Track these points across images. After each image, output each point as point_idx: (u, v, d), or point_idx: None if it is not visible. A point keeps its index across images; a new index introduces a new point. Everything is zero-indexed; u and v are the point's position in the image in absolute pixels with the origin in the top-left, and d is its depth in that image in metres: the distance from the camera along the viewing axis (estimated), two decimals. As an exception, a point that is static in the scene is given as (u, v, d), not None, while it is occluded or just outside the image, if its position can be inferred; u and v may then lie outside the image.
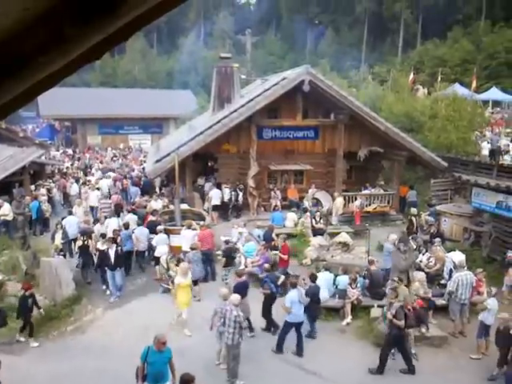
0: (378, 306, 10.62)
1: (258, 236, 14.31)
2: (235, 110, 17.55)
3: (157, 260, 13.23)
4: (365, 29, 60.96)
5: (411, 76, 35.40)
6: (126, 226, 13.81)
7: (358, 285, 11.15)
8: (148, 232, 13.78)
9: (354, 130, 18.46)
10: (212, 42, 65.45)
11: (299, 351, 9.62)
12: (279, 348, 9.64)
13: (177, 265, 12.26)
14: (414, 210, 16.35)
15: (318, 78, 17.46)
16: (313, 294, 10.07)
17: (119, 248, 12.07)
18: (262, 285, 10.39)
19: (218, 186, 18.11)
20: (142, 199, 18.31)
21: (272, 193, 18.40)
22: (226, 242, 13.07)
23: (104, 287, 12.38)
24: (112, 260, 11.80)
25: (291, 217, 16.68)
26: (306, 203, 17.36)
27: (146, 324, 10.43)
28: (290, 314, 9.42)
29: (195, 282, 11.92)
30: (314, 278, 10.43)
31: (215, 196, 17.55)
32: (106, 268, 12.02)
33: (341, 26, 61.57)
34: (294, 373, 9.04)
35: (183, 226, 14.25)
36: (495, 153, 21.51)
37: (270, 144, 18.75)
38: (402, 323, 8.77)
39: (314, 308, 10.10)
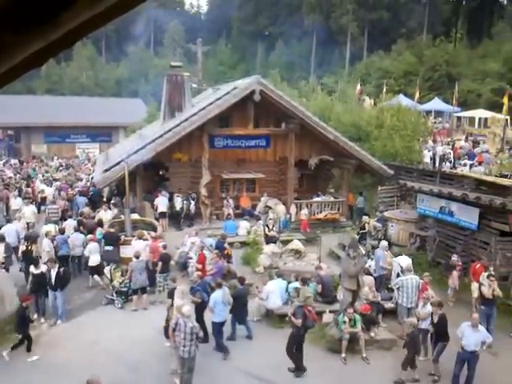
0: (330, 312, 10.81)
1: (211, 245, 14.23)
2: (186, 119, 17.43)
3: (92, 269, 13.12)
4: (313, 41, 62.34)
5: (358, 87, 36.57)
6: (62, 230, 13.80)
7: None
8: (84, 237, 13.86)
9: (305, 138, 18.79)
10: (162, 51, 64.88)
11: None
12: (223, 350, 9.73)
13: (122, 275, 12.14)
14: (365, 218, 16.74)
15: (268, 88, 17.67)
16: (239, 295, 10.22)
17: (61, 270, 11.19)
18: (194, 293, 10.15)
19: (170, 195, 17.88)
20: (88, 209, 17.79)
21: (225, 201, 18.37)
22: (164, 247, 12.93)
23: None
24: (53, 281, 10.96)
25: (244, 225, 16.73)
26: (272, 215, 17.13)
27: (94, 339, 10.13)
28: (214, 314, 9.60)
29: (143, 290, 11.90)
30: (242, 280, 10.70)
31: (162, 203, 17.32)
32: (48, 288, 11.10)
33: (290, 37, 62.66)
34: (247, 381, 9.01)
35: (134, 236, 14.03)
36: (437, 160, 22.49)
37: (222, 153, 18.76)
38: (298, 322, 9.00)
39: (240, 310, 10.23)
